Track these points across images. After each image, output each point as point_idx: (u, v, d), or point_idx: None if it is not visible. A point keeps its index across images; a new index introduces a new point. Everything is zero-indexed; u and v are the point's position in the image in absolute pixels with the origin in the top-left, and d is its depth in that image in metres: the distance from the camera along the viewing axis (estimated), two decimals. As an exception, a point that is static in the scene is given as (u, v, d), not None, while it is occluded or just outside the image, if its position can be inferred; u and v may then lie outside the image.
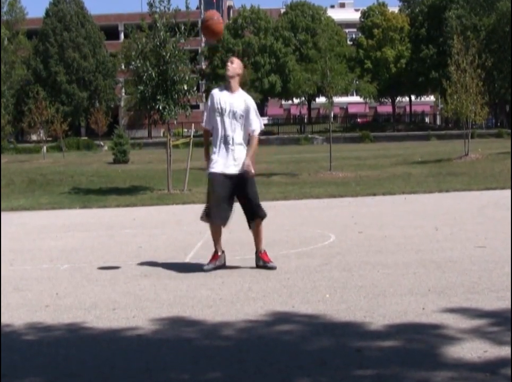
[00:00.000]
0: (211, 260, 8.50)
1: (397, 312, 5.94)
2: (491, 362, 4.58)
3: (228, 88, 8.50)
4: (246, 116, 8.42)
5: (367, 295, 6.65)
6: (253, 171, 8.34)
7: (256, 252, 8.56)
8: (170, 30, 21.45)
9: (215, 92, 8.57)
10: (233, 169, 8.30)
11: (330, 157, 27.43)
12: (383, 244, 9.89)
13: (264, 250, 8.56)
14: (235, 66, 8.46)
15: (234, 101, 8.39)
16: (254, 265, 8.51)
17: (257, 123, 8.52)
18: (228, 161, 8.31)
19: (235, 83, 8.48)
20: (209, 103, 8.53)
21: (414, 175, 24.97)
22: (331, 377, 4.47)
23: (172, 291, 7.19)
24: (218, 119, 8.41)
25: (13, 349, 5.28)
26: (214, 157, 8.37)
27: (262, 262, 8.44)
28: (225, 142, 8.36)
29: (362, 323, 5.63)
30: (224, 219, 8.39)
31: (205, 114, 8.60)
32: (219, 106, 8.39)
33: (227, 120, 8.38)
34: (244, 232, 12.19)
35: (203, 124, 8.63)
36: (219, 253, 8.55)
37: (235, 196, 8.43)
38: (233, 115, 8.37)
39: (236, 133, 8.38)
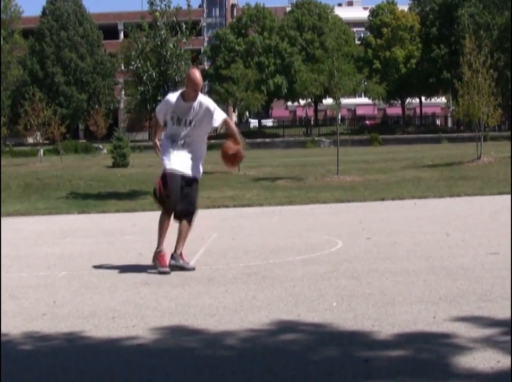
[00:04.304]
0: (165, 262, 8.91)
1: (407, 321, 5.94)
2: (503, 373, 4.57)
3: (184, 97, 8.93)
4: (205, 117, 8.91)
5: (376, 303, 6.65)
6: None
7: (176, 251, 9.05)
8: (171, 29, 21.51)
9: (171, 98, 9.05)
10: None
11: (337, 161, 27.46)
12: (392, 251, 9.90)
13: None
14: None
15: (189, 110, 8.87)
16: (258, 271, 8.54)
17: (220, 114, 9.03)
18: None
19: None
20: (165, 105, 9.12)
21: (424, 179, 24.98)
22: (338, 388, 4.48)
23: (174, 299, 7.20)
24: (174, 127, 8.92)
25: (9, 359, 5.28)
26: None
27: (178, 262, 8.96)
28: (180, 145, 8.92)
29: (370, 333, 5.63)
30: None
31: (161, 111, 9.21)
32: (175, 116, 8.91)
33: (183, 128, 8.89)
34: (247, 239, 12.23)
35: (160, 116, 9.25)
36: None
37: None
38: (190, 123, 8.87)
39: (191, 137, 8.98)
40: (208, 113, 8.89)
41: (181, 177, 8.85)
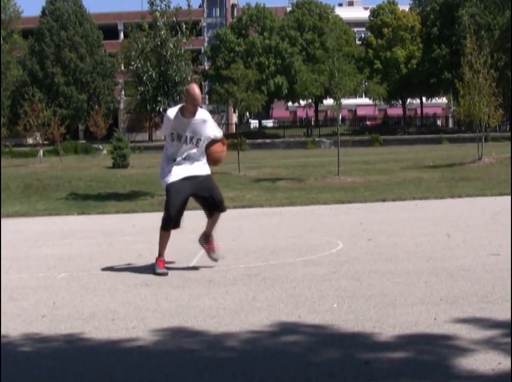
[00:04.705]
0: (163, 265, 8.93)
1: (408, 322, 5.94)
2: (505, 374, 4.58)
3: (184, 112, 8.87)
4: (206, 133, 8.94)
5: (377, 304, 6.65)
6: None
7: (208, 235, 9.22)
8: (171, 29, 21.51)
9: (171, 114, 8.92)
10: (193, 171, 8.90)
11: (338, 162, 27.44)
12: (393, 252, 9.89)
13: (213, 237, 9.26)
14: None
15: (189, 126, 8.82)
16: (259, 272, 8.54)
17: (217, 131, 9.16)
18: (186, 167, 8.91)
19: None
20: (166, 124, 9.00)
21: (425, 180, 24.97)
22: (339, 390, 4.48)
23: (174, 301, 7.20)
24: (174, 143, 8.87)
25: (8, 361, 5.28)
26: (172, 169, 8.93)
27: (205, 246, 9.26)
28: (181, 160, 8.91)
29: (371, 334, 5.63)
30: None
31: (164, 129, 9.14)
32: (175, 132, 8.83)
33: (184, 145, 8.84)
34: (248, 240, 12.23)
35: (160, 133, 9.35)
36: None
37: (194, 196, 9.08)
38: (191, 140, 8.84)
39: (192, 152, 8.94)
40: (208, 128, 8.92)
41: (189, 184, 8.84)
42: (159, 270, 8.76)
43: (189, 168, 8.86)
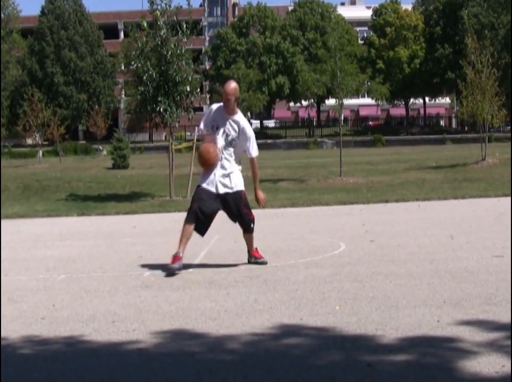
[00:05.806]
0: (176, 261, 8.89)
1: (410, 324, 5.94)
2: (508, 377, 4.58)
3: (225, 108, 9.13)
4: (241, 140, 9.20)
5: (379, 307, 6.65)
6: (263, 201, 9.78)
7: (249, 252, 9.48)
8: (171, 28, 21.50)
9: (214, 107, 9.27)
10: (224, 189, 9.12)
11: (340, 162, 27.43)
12: (396, 254, 9.89)
13: (256, 248, 9.51)
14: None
15: (226, 122, 9.10)
16: (260, 274, 8.55)
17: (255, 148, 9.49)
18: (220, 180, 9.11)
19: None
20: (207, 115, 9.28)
21: (428, 181, 24.95)
22: (341, 393, 4.48)
23: (175, 303, 7.20)
24: (214, 135, 9.08)
25: (7, 364, 5.28)
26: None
27: (253, 259, 9.42)
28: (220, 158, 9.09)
29: (374, 337, 5.63)
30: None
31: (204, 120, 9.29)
32: (215, 124, 9.10)
33: (219, 137, 9.06)
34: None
35: (202, 127, 9.27)
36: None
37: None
38: (227, 137, 9.08)
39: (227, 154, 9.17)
40: (244, 137, 9.21)
41: (217, 196, 9.04)
42: (169, 266, 8.79)
43: (223, 183, 9.07)
